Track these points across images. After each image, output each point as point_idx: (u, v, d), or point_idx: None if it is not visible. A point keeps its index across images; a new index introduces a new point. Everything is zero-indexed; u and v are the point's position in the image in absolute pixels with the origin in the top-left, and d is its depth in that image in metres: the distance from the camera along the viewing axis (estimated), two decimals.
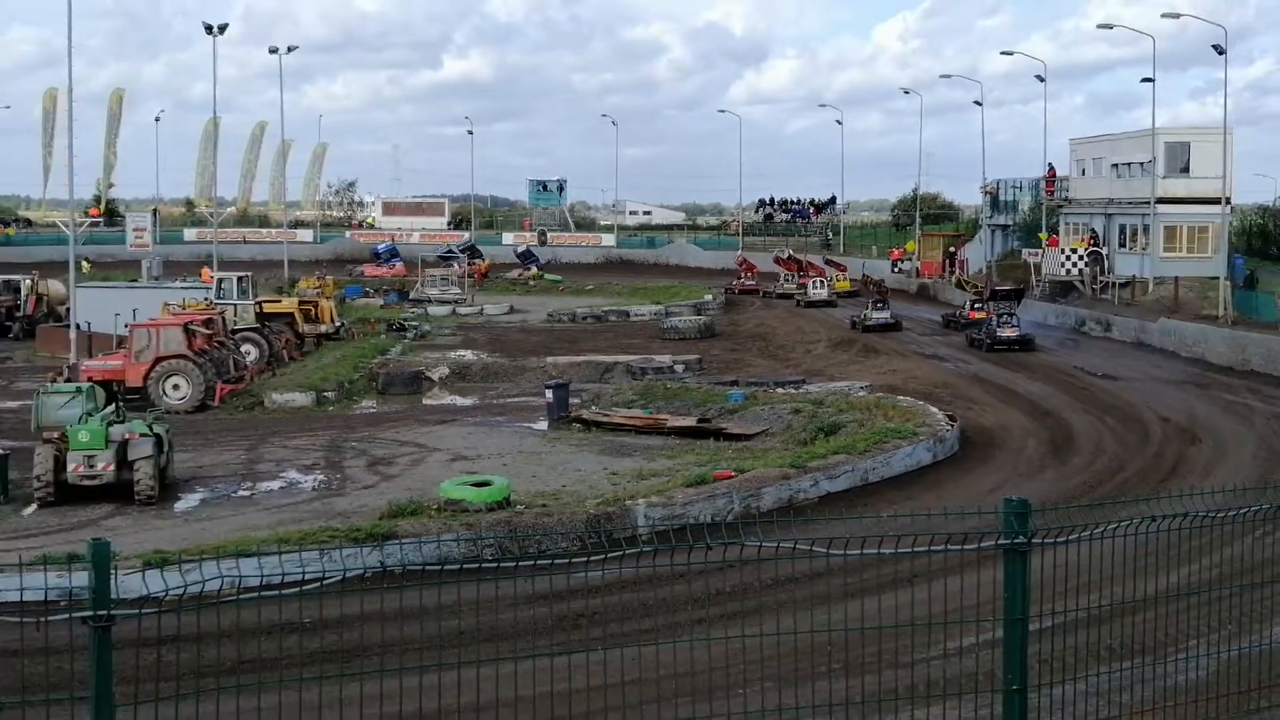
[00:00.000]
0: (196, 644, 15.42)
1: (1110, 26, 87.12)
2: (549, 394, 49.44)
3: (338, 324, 74.66)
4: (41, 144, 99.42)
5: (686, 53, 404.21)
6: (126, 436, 35.66)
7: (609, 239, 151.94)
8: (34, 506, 35.24)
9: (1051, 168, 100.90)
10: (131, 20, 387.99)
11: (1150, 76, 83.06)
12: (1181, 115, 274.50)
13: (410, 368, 63.54)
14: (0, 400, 56.09)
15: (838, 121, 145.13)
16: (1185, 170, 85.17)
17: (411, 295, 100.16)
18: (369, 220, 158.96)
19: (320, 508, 34.77)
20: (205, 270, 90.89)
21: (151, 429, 36.58)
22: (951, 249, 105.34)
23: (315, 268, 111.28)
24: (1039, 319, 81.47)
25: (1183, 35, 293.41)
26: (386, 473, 40.01)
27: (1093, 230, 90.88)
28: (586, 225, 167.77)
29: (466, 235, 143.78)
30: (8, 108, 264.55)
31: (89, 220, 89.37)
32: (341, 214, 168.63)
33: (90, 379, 47.47)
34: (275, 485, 38.61)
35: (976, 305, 79.28)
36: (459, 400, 58.68)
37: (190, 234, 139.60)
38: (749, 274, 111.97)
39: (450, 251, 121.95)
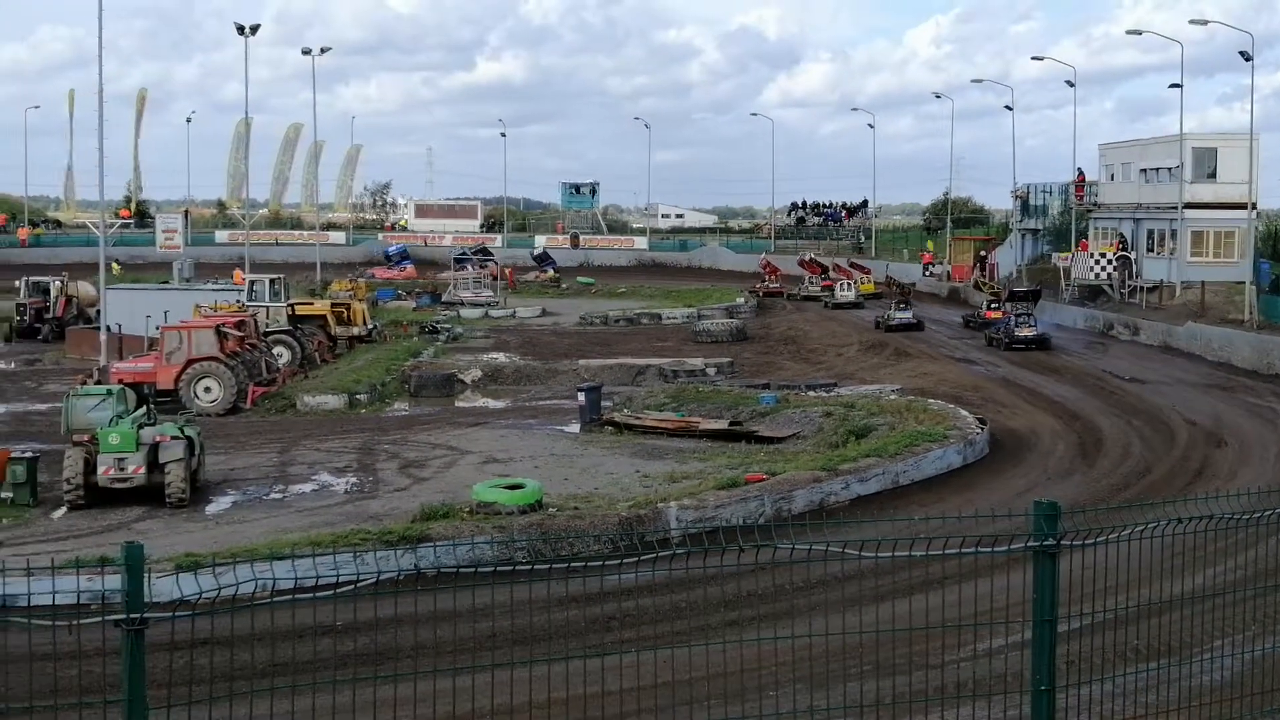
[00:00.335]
0: (230, 647, 15.50)
1: (1139, 33, 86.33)
2: (581, 397, 49.41)
3: (370, 326, 74.66)
4: (67, 144, 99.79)
5: (719, 56, 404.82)
6: (157, 439, 35.52)
7: (641, 242, 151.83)
8: (64, 509, 35.12)
9: (1081, 173, 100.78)
10: (163, 20, 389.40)
11: (1178, 82, 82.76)
12: (1209, 121, 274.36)
13: (443, 370, 63.60)
14: (30, 402, 56.20)
15: (870, 125, 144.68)
16: (1212, 176, 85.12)
17: (444, 298, 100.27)
18: (401, 223, 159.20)
19: (352, 510, 34.77)
20: (238, 272, 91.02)
21: (183, 431, 36.43)
22: (982, 253, 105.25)
23: (345, 270, 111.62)
24: (1068, 322, 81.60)
25: (1211, 42, 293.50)
26: (419, 475, 40.01)
27: (1121, 235, 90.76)
28: (619, 228, 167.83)
29: (498, 239, 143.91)
30: (36, 108, 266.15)
31: (119, 222, 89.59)
32: (374, 216, 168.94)
33: (121, 381, 47.39)
34: (307, 488, 38.60)
35: (993, 305, 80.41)
36: (491, 403, 58.69)
37: (222, 235, 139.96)
38: (772, 276, 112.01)
39: (463, 254, 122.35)
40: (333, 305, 74.60)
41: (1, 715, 14.94)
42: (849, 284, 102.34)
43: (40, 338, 78.82)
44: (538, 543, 28.69)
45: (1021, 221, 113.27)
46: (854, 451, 39.31)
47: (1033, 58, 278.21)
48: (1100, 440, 44.24)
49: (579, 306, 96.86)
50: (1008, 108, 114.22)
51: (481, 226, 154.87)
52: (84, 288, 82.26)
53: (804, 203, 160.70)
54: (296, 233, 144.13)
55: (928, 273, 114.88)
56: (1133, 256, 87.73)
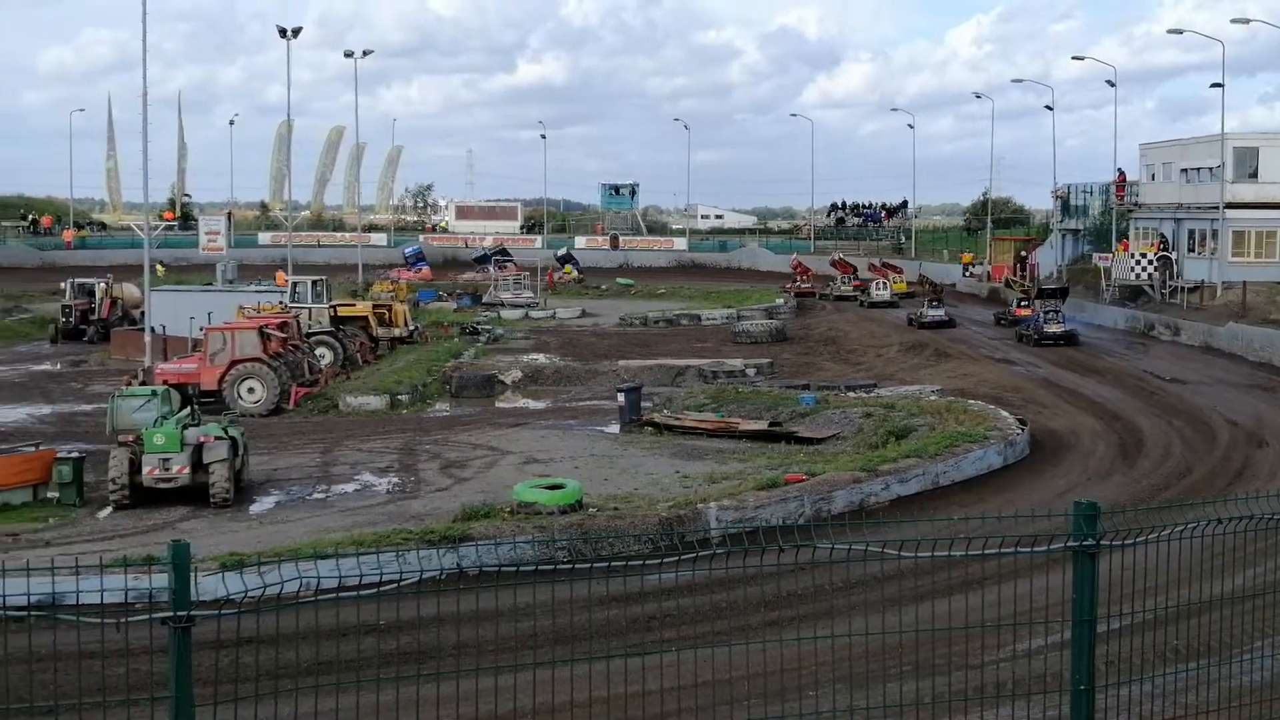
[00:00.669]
0: (274, 645, 15.63)
1: (1180, 32, 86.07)
2: (621, 398, 49.44)
3: (411, 327, 74.91)
4: (110, 147, 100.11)
5: (759, 56, 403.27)
6: (201, 439, 35.72)
7: (681, 243, 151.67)
8: (109, 509, 35.35)
9: (1121, 173, 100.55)
10: (206, 23, 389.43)
11: (1220, 82, 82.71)
12: (1251, 120, 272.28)
13: (483, 371, 63.75)
14: (76, 403, 56.59)
15: (910, 125, 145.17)
16: (1254, 175, 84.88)
17: (484, 299, 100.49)
18: (442, 224, 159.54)
19: (394, 510, 34.86)
20: (280, 273, 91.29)
21: (226, 432, 36.57)
22: (1023, 253, 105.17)
23: (383, 271, 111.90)
24: (1108, 323, 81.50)
25: (1253, 41, 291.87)
26: (460, 475, 40.10)
27: (1162, 235, 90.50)
28: (658, 229, 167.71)
29: (538, 240, 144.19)
30: (81, 110, 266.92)
31: (163, 224, 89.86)
32: (416, 218, 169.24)
33: (165, 382, 47.69)
34: (350, 488, 38.73)
35: (1023, 303, 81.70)
36: (531, 404, 58.82)
37: (264, 237, 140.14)
38: (804, 276, 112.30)
39: (484, 255, 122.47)
40: (374, 306, 74.91)
41: (52, 712, 15.10)
42: (883, 283, 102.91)
43: (85, 339, 79.31)
44: (578, 543, 28.76)
45: (1062, 222, 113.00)
46: (894, 452, 39.29)
47: (1073, 57, 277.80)
48: (1141, 441, 44.15)
49: (619, 307, 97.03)
50: (1048, 108, 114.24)
51: (522, 228, 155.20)
52: (129, 289, 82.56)
53: (843, 203, 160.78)
54: (338, 234, 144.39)
55: (968, 273, 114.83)
56: (1173, 257, 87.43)
